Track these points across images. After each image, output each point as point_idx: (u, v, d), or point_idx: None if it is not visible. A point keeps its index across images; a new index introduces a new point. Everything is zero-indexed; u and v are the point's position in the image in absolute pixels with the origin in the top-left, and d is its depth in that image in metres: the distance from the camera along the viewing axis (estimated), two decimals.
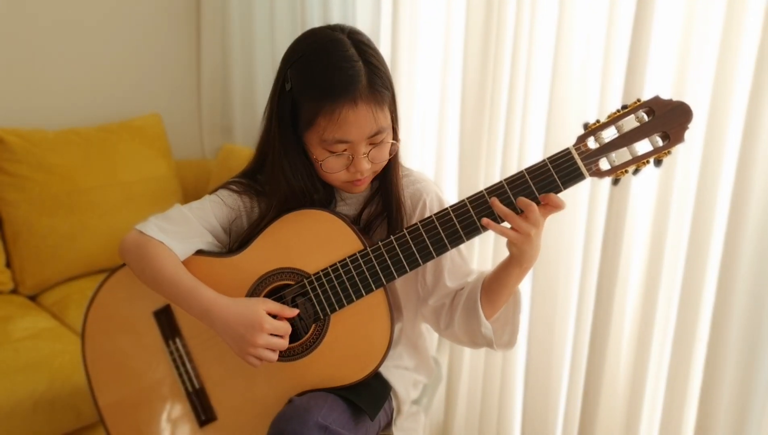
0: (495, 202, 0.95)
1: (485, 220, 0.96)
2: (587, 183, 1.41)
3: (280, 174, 1.05)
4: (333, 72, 0.96)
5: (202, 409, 1.11)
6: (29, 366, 1.54)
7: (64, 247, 1.91)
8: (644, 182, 1.33)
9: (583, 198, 1.43)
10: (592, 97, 1.38)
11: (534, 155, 1.48)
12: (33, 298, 1.93)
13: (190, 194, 2.24)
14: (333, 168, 1.01)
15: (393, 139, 1.03)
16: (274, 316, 1.02)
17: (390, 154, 1.04)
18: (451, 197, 1.72)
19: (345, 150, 0.99)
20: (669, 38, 1.24)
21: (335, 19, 1.93)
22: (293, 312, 1.03)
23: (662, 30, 1.23)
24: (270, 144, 1.06)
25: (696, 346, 1.30)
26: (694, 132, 1.22)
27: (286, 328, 1.01)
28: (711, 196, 1.23)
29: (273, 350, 1.00)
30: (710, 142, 1.22)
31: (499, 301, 1.06)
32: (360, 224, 1.10)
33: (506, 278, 1.03)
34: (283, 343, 1.01)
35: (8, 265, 1.89)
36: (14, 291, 1.91)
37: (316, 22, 1.99)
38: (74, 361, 1.57)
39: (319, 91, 0.97)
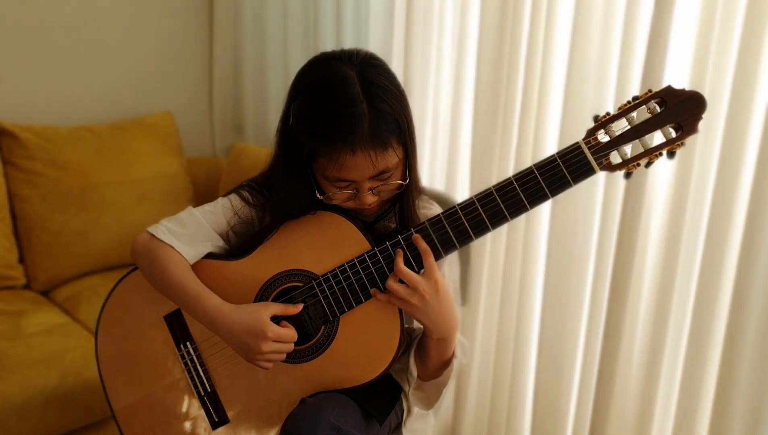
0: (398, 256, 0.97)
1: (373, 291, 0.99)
2: (601, 182, 1.40)
3: (282, 198, 1.05)
4: (332, 117, 0.93)
5: (215, 412, 1.10)
6: (41, 361, 1.54)
7: (77, 243, 1.92)
8: (660, 181, 1.31)
9: (597, 197, 1.42)
10: (608, 92, 1.37)
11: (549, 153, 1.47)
12: (45, 293, 1.94)
13: (201, 192, 2.24)
14: (338, 199, 1.01)
15: (404, 175, 1.01)
16: (281, 318, 1.01)
17: (398, 190, 1.02)
18: (462, 193, 1.72)
19: (348, 186, 0.98)
20: (688, 31, 1.22)
21: (348, 24, 1.92)
22: (297, 308, 1.02)
23: (681, 22, 1.21)
24: (276, 169, 1.06)
25: (710, 349, 1.29)
26: (713, 128, 1.21)
27: (289, 334, 0.99)
28: (729, 196, 1.21)
29: (281, 354, 1.00)
30: (729, 139, 1.20)
31: (428, 366, 1.05)
32: (374, 234, 1.09)
33: (426, 352, 1.04)
34: (288, 347, 1.00)
35: (21, 260, 1.91)
36: (27, 286, 1.92)
37: (329, 23, 1.99)
38: (85, 357, 1.57)
39: (317, 134, 0.95)
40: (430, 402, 1.11)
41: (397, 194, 1.05)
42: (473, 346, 1.69)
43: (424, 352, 1.05)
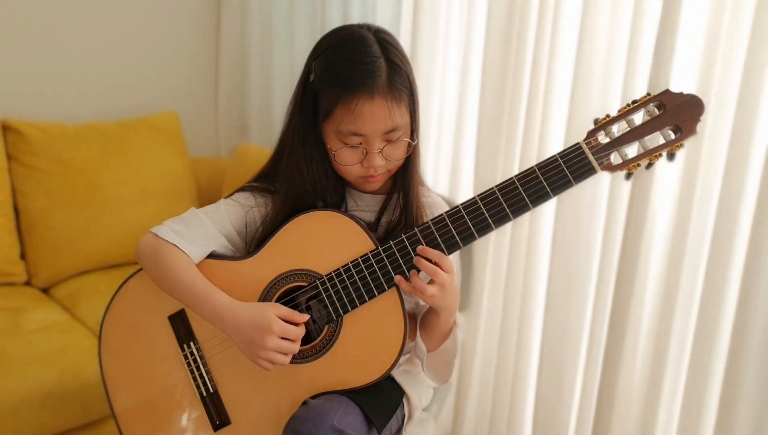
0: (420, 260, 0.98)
1: (398, 278, 0.99)
2: (606, 186, 1.39)
3: (295, 166, 1.06)
4: (354, 64, 0.99)
5: (217, 413, 1.10)
6: (40, 358, 1.54)
7: (79, 240, 1.92)
8: (665, 186, 1.31)
9: (601, 201, 1.41)
10: (615, 96, 1.36)
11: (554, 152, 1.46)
12: (45, 290, 1.94)
13: (204, 192, 2.24)
14: (347, 160, 1.03)
15: (411, 138, 1.03)
16: (286, 321, 1.01)
17: (406, 153, 1.04)
18: (466, 193, 1.71)
19: (360, 143, 1.01)
20: (695, 35, 1.22)
21: (355, 12, 1.92)
22: (304, 317, 1.02)
23: (689, 25, 1.21)
24: (290, 135, 1.07)
25: (715, 353, 1.28)
26: (719, 132, 1.21)
27: (296, 331, 1.00)
28: (734, 200, 1.21)
29: (285, 354, 0.99)
30: (735, 144, 1.19)
31: (434, 339, 1.07)
32: (378, 231, 1.10)
33: (432, 326, 1.06)
34: (294, 347, 1.00)
35: (22, 256, 1.90)
36: (27, 283, 1.92)
37: (335, 19, 1.99)
38: (84, 355, 1.57)
39: (338, 81, 0.99)
40: (443, 376, 1.13)
41: (396, 181, 1.07)
42: (474, 344, 1.68)
43: (427, 326, 1.07)
